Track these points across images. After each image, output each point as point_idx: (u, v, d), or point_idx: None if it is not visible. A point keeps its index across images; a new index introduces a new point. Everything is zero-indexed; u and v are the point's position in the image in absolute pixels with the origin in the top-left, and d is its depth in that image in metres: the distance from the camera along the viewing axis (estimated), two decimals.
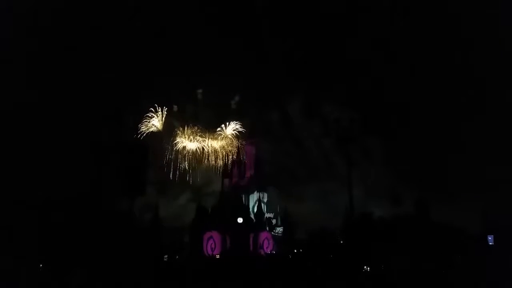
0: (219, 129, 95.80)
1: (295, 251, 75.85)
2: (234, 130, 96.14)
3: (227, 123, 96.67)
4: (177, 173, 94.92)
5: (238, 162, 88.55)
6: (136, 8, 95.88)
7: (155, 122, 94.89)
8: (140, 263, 57.54)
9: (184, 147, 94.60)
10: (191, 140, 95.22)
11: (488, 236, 64.97)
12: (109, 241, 60.32)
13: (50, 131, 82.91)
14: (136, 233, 67.85)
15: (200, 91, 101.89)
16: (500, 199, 69.54)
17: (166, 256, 72.08)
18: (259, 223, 79.97)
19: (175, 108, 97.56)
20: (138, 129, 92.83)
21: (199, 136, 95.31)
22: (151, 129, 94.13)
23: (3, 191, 63.36)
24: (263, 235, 78.79)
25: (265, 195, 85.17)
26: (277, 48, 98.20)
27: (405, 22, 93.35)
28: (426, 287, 48.54)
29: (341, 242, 71.87)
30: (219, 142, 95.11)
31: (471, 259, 57.19)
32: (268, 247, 77.65)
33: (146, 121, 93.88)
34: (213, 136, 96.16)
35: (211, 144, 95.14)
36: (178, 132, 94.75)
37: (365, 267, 60.16)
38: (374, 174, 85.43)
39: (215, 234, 79.02)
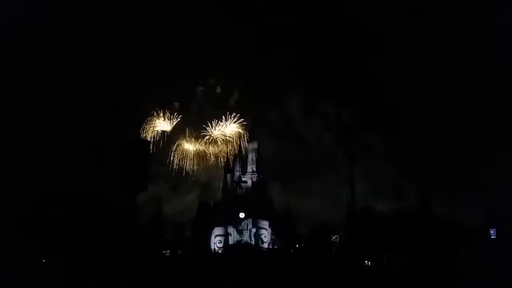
0: (219, 129, 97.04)
1: (297, 245, 76.09)
2: (236, 127, 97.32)
3: (228, 121, 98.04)
4: (178, 169, 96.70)
5: (239, 157, 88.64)
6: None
7: (159, 123, 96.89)
8: (141, 257, 57.82)
9: (186, 149, 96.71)
10: (193, 143, 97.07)
11: (490, 229, 65.01)
12: (110, 237, 60.55)
13: (52, 128, 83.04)
14: (137, 229, 68.15)
15: (201, 88, 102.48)
16: (502, 193, 69.56)
17: (168, 251, 72.43)
18: (261, 218, 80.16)
19: (176, 105, 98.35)
20: (141, 127, 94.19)
21: (200, 138, 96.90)
22: (154, 130, 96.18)
23: (4, 188, 63.61)
24: (265, 229, 79.03)
25: (267, 190, 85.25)
26: (278, 44, 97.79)
27: (407, 18, 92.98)
28: (428, 281, 48.64)
29: (343, 236, 72.18)
30: (219, 146, 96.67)
31: (473, 253, 57.20)
32: (270, 242, 77.91)
33: (149, 123, 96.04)
34: (216, 131, 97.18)
35: (211, 149, 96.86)
36: (181, 136, 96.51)
37: (366, 261, 60.26)
38: (376, 169, 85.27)
39: (218, 230, 79.55)
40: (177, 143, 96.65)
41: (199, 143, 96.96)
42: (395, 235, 60.59)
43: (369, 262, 60.16)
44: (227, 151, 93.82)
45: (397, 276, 51.67)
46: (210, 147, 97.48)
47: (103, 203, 67.98)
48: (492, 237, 64.32)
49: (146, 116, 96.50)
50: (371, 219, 65.68)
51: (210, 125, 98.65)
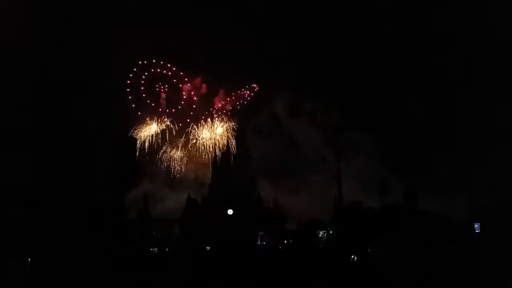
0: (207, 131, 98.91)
1: (285, 241, 76.38)
2: (223, 127, 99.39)
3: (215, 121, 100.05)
4: (167, 169, 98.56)
5: (228, 154, 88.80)
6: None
7: (149, 125, 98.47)
8: (126, 255, 57.50)
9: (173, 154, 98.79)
10: (179, 148, 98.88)
11: (474, 224, 66.09)
12: (97, 234, 60.11)
13: (40, 124, 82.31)
14: (124, 226, 67.76)
15: (188, 87, 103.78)
16: (487, 188, 70.80)
17: (155, 249, 72.09)
18: (249, 214, 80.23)
19: (165, 99, 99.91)
20: (132, 127, 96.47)
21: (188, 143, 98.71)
22: (144, 131, 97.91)
23: None
24: (254, 226, 79.22)
25: (256, 186, 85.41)
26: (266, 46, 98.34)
27: (394, 16, 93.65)
28: (413, 274, 49.13)
29: (330, 232, 72.59)
30: (206, 148, 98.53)
31: (458, 246, 58.05)
32: (258, 238, 78.05)
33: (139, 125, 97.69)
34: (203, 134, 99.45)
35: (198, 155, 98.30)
36: (167, 142, 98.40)
37: (352, 256, 60.68)
38: (363, 166, 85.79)
39: (206, 227, 79.45)
40: (164, 147, 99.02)
41: (186, 149, 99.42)
42: (382, 230, 61.09)
43: (355, 257, 60.56)
44: (215, 150, 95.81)
45: (383, 270, 52.07)
46: (197, 149, 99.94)
47: (89, 201, 67.46)
48: (477, 231, 65.44)
49: (133, 113, 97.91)
50: (358, 215, 66.12)
51: (197, 127, 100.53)
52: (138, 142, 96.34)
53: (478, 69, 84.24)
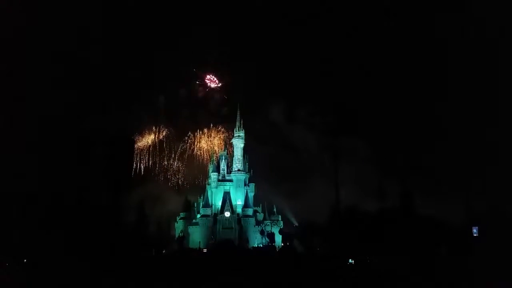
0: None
1: (282, 244, 76.23)
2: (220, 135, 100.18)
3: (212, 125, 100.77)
4: (165, 170, 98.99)
5: (225, 157, 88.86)
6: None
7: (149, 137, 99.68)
8: (126, 257, 57.23)
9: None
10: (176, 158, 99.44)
11: (473, 227, 65.65)
12: (95, 236, 59.86)
13: (39, 125, 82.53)
14: (122, 228, 67.50)
15: (184, 92, 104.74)
16: (485, 192, 70.57)
17: (153, 250, 71.88)
18: (245, 217, 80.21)
19: (162, 99, 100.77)
20: (134, 134, 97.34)
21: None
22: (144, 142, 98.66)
23: None
24: (250, 228, 79.21)
25: (252, 189, 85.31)
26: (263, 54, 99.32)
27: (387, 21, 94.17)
28: (412, 278, 48.80)
29: (328, 235, 72.20)
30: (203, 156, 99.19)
31: (456, 250, 57.66)
32: (255, 240, 77.96)
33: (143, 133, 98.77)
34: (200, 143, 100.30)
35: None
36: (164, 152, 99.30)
37: (350, 260, 60.34)
38: (361, 170, 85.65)
39: (203, 228, 79.51)
40: (163, 155, 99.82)
41: (184, 156, 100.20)
42: (379, 234, 60.69)
43: (353, 261, 60.22)
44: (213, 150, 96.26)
45: (379, 274, 51.73)
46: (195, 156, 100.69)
47: (86, 202, 67.25)
48: (475, 235, 65.00)
49: (133, 116, 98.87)
50: (355, 218, 65.79)
51: (193, 136, 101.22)
52: (138, 150, 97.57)
53: (478, 70, 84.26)
